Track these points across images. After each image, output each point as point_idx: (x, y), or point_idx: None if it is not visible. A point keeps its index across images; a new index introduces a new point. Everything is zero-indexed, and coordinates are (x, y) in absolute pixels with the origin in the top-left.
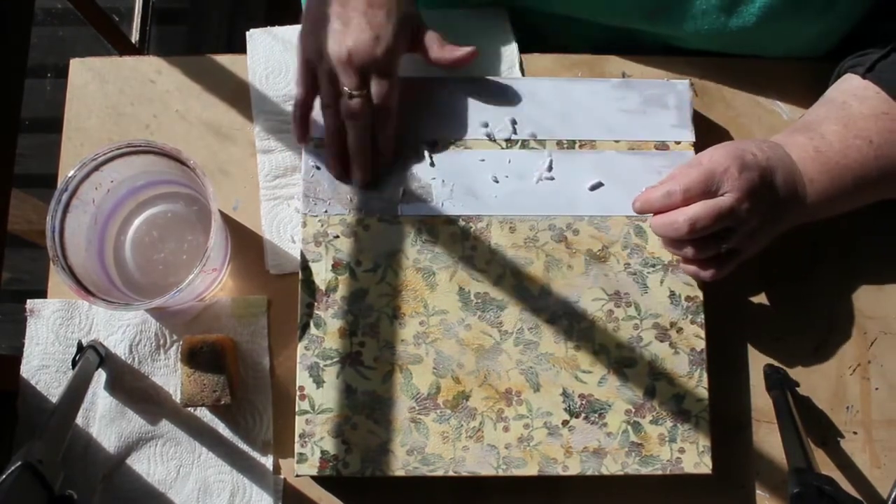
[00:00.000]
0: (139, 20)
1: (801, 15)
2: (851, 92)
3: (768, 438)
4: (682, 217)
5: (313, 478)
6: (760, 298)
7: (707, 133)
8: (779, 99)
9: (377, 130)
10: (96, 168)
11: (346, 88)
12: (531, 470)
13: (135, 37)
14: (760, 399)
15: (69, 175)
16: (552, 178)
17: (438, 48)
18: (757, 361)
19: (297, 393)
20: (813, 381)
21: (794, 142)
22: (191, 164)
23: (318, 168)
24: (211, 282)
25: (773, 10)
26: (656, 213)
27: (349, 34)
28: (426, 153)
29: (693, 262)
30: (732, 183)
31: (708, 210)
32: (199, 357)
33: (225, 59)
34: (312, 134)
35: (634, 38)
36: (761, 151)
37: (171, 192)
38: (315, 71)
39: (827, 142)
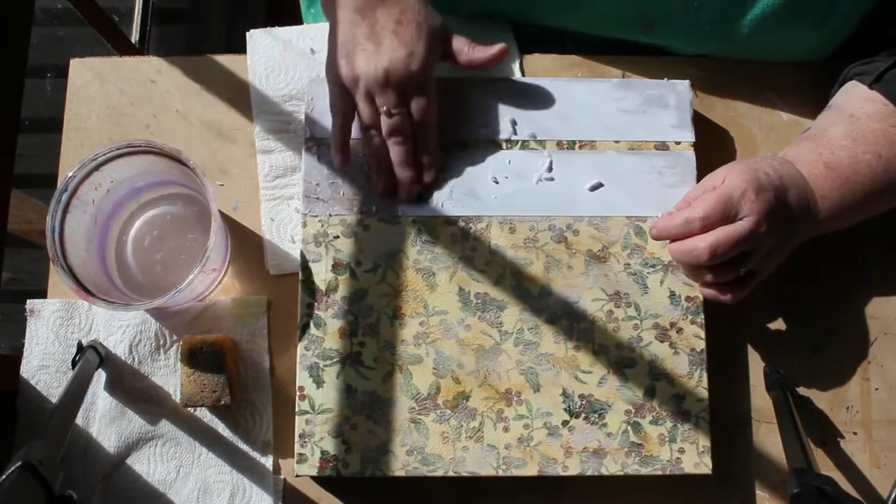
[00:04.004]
0: (139, 20)
1: (795, 27)
2: (858, 103)
3: (768, 438)
4: (702, 244)
5: (313, 478)
6: (760, 299)
7: (707, 133)
8: (779, 99)
9: (419, 146)
10: (96, 168)
11: (385, 108)
12: (531, 470)
13: (135, 37)
14: (760, 399)
15: (69, 175)
16: (552, 179)
17: (469, 50)
18: (757, 361)
19: (297, 393)
20: (813, 381)
21: (803, 157)
22: (190, 164)
23: (317, 184)
24: (211, 282)
25: (766, 22)
26: (674, 240)
27: (382, 54)
28: None
29: (712, 285)
30: (750, 206)
31: (728, 236)
32: (199, 357)
33: (225, 59)
34: (315, 134)
35: (632, 49)
36: (773, 170)
37: (172, 193)
38: (351, 95)
39: (837, 158)
